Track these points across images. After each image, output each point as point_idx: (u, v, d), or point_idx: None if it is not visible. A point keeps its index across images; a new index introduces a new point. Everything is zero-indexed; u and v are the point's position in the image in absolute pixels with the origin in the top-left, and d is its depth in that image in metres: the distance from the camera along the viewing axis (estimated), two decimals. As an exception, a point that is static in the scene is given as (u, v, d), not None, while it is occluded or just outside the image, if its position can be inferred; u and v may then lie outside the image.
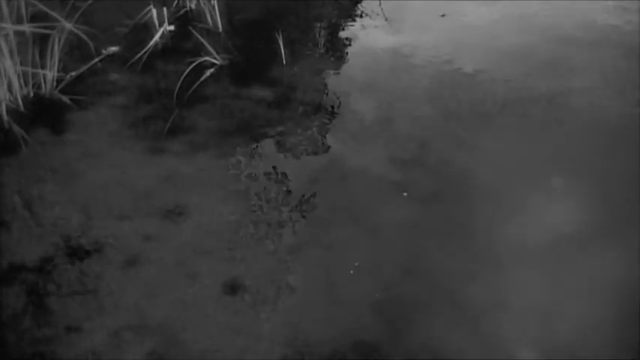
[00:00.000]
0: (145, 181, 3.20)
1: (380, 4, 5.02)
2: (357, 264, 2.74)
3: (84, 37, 4.18)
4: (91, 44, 4.24)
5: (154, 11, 4.55)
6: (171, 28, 4.62)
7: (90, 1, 4.63)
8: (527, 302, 2.57)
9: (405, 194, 3.11)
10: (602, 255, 2.78)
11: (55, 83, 3.83)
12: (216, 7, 4.58)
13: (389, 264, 2.74)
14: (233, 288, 2.62)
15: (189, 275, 2.68)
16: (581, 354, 2.37)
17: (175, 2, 4.81)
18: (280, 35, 4.38)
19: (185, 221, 2.96)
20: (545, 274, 2.70)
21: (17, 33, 3.92)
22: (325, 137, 3.56)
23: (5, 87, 3.62)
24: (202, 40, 4.36)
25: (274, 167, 3.32)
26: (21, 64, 3.78)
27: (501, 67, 4.19)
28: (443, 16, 4.87)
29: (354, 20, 4.85)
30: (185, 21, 4.71)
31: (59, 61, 3.90)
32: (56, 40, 3.89)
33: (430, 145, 3.45)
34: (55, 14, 4.10)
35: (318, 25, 4.86)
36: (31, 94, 3.79)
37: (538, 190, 3.15)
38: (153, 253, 2.78)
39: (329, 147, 3.47)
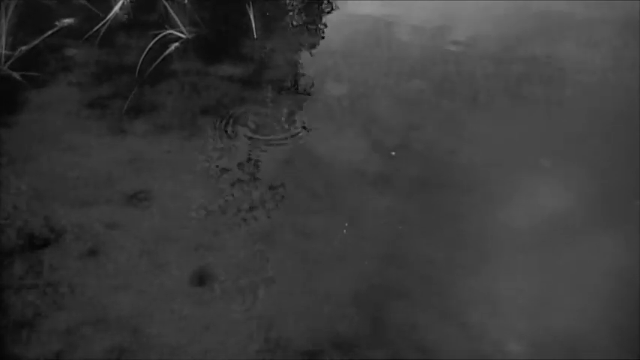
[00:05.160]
0: (106, 164, 3.12)
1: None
2: (346, 224, 2.76)
3: (36, 6, 4.05)
4: (43, 15, 4.11)
5: (114, -20, 4.43)
6: (133, -2, 4.50)
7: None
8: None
9: (393, 153, 3.11)
10: (597, 245, 2.80)
11: (3, 58, 3.70)
12: (182, -24, 4.48)
13: (368, 252, 2.72)
14: (202, 278, 2.58)
15: (154, 265, 2.62)
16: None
17: (137, -30, 4.68)
18: (251, 6, 4.29)
19: (150, 207, 2.89)
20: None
21: (-39, 3, 3.78)
22: (300, 117, 3.51)
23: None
24: (167, 11, 4.26)
25: (246, 149, 3.27)
26: (-34, 37, 3.65)
27: (492, 38, 4.18)
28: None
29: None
30: (148, -9, 4.59)
31: (8, 33, 3.76)
32: (3, 10, 3.76)
33: (416, 127, 3.43)
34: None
35: (292, -5, 4.79)
36: (-22, 71, 3.67)
37: (528, 171, 3.16)
38: (115, 242, 2.71)
39: (304, 128, 3.42)
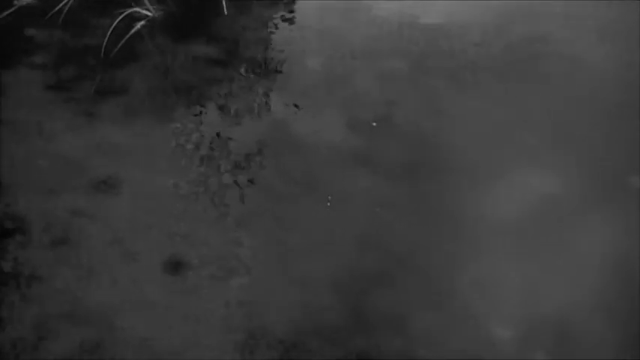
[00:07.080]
0: (72, 150, 3.04)
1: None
2: (330, 197, 2.76)
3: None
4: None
5: (75, -45, 4.28)
6: (96, -25, 4.36)
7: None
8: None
9: (374, 124, 3.11)
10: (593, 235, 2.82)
11: (-40, 40, 3.58)
12: (147, -49, 4.35)
13: (345, 236, 2.70)
14: (176, 267, 2.53)
15: (125, 254, 2.57)
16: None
17: (99, -55, 4.53)
18: (220, -17, 4.20)
19: (119, 194, 2.83)
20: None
21: None
22: (275, 98, 3.45)
23: None
24: (132, -12, 4.14)
25: (218, 132, 3.21)
26: None
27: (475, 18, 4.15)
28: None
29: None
30: (111, -33, 4.45)
31: (-37, 14, 3.63)
32: (-41, -10, 3.62)
33: (393, 107, 3.39)
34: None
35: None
36: None
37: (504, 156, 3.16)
38: (83, 231, 2.65)
39: (279, 109, 3.37)
